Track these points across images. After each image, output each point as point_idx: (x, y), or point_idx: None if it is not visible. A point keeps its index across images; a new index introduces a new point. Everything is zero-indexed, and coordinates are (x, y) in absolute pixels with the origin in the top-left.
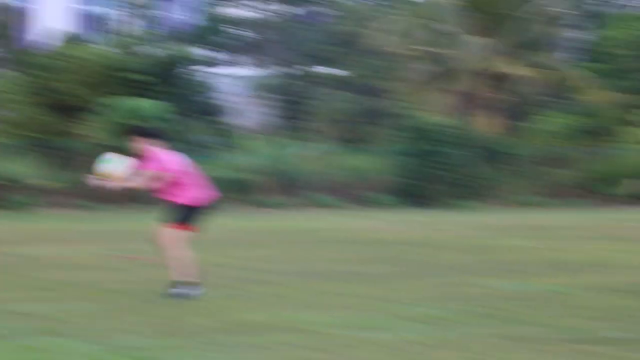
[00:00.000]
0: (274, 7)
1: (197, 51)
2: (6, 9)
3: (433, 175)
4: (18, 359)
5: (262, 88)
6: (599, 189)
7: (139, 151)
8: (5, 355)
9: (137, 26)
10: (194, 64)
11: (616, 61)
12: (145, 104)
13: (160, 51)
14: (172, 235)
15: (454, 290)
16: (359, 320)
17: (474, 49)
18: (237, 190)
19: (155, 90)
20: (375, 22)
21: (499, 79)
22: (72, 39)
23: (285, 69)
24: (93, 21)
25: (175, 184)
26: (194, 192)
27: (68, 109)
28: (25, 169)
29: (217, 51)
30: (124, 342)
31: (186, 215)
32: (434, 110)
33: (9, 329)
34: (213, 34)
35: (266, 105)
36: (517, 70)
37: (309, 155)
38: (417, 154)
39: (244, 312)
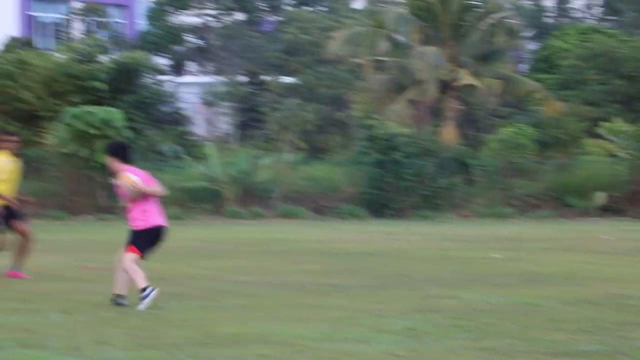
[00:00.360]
0: (230, 15)
1: (154, 59)
2: None
3: (398, 186)
4: None
5: (220, 96)
6: (566, 201)
7: (112, 168)
8: None
9: (93, 33)
10: (152, 72)
11: (565, 72)
12: (108, 113)
13: (118, 59)
14: (131, 258)
15: (430, 303)
16: (337, 332)
17: (432, 60)
18: (204, 200)
19: (114, 98)
20: (332, 31)
21: (458, 90)
22: (28, 46)
23: (242, 78)
24: (47, 28)
25: (141, 205)
26: (156, 217)
27: (28, 117)
28: None
29: (173, 59)
30: (100, 354)
31: (146, 241)
32: (395, 120)
33: None
34: (168, 41)
35: (225, 114)
36: (476, 80)
37: (274, 165)
38: (381, 164)
39: (220, 324)
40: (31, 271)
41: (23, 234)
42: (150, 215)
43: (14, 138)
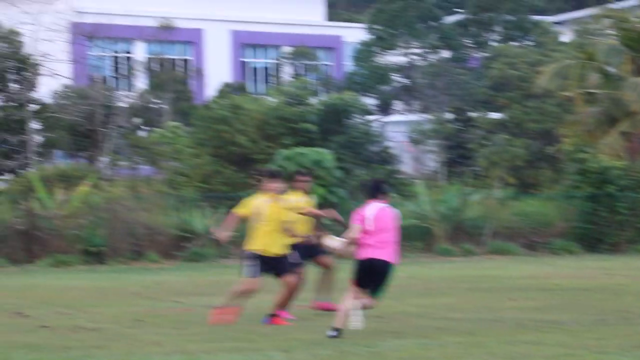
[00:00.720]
0: (435, 53)
1: (362, 99)
2: (172, 64)
3: (613, 220)
4: None
5: (427, 134)
6: None
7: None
8: None
9: (302, 76)
10: (360, 112)
11: None
12: (319, 154)
13: (326, 100)
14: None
15: None
16: None
17: None
18: (415, 238)
19: (324, 139)
20: (540, 65)
21: None
22: (241, 91)
23: (449, 115)
24: (258, 73)
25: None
26: (368, 250)
27: (241, 160)
28: (203, 221)
29: (380, 98)
30: None
31: (358, 273)
32: (607, 153)
33: None
34: (375, 81)
35: (432, 151)
36: None
37: (484, 201)
38: (594, 198)
39: None
40: (251, 310)
41: (327, 267)
42: (364, 249)
43: (307, 178)
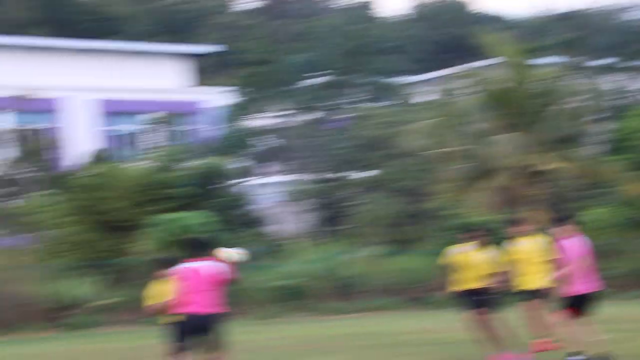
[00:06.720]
0: (300, 115)
1: (230, 163)
2: (37, 133)
3: None
4: None
5: (298, 194)
6: None
7: None
8: None
9: (167, 142)
10: (230, 176)
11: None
12: (190, 218)
13: (197, 165)
14: None
15: None
16: None
17: (506, 146)
18: (290, 298)
19: (195, 203)
20: (403, 125)
21: (534, 174)
22: (106, 159)
23: (318, 174)
24: (121, 140)
25: None
26: None
27: (114, 226)
28: (81, 289)
29: (249, 161)
30: None
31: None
32: (474, 208)
33: None
34: (242, 145)
35: (304, 210)
36: (552, 164)
37: (358, 259)
38: None
39: None
40: None
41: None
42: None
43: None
